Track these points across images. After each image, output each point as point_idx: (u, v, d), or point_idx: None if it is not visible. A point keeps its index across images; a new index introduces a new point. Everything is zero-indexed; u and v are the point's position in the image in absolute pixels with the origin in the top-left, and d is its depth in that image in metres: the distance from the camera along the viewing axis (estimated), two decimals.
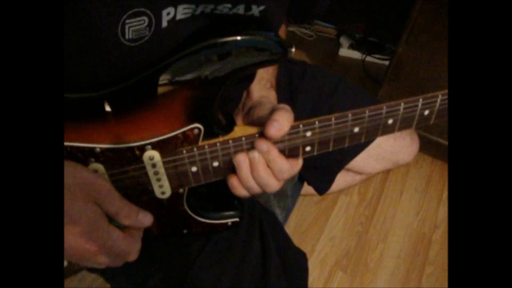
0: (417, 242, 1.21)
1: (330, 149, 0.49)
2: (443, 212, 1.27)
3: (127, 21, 0.38)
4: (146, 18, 0.39)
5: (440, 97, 0.46)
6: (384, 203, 1.30)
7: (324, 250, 1.19)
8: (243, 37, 0.42)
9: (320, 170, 0.87)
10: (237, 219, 0.56)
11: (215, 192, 0.57)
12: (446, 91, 0.46)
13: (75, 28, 0.37)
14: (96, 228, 0.41)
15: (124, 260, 0.45)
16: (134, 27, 0.39)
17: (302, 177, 0.91)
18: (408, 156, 0.95)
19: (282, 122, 0.43)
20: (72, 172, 0.42)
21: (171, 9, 0.40)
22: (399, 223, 1.26)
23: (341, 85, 0.81)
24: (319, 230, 1.23)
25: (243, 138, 0.47)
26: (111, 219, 0.44)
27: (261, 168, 0.45)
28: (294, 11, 0.59)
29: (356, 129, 0.47)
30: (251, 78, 0.58)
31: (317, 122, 0.45)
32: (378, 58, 1.62)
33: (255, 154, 0.45)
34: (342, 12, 1.56)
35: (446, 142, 1.22)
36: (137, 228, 0.46)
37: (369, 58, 1.64)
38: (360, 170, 0.94)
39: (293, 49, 0.45)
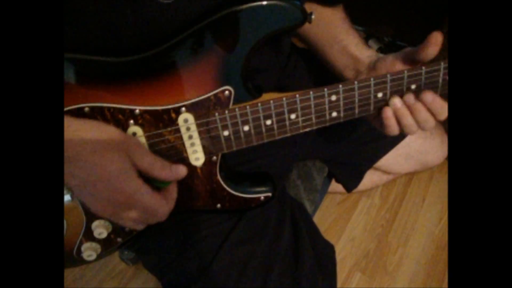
0: (438, 250, 1.19)
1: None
2: None
3: None
4: None
5: None
6: (406, 208, 1.28)
7: (344, 250, 1.18)
8: (273, 2, 0.43)
9: (349, 167, 0.86)
10: (269, 194, 0.56)
11: (250, 170, 0.58)
12: None
13: None
14: (126, 178, 0.42)
15: (154, 218, 0.45)
16: None
17: (331, 173, 0.91)
18: (437, 158, 0.94)
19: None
20: (104, 128, 0.43)
21: None
22: (421, 229, 1.23)
23: None
24: (339, 230, 1.22)
25: (271, 102, 0.47)
26: (150, 180, 0.45)
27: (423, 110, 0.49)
28: None
29: (380, 94, 0.48)
30: (277, 48, 0.59)
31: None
32: None
33: (411, 98, 0.48)
34: (371, 15, 1.56)
35: None
36: (172, 187, 0.46)
37: None
38: (388, 169, 0.94)
39: (313, 16, 0.46)
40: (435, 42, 0.46)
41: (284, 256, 0.58)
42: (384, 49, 1.64)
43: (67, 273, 1.14)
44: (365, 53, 0.60)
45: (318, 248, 0.64)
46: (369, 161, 0.87)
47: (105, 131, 0.43)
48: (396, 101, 0.49)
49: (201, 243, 0.57)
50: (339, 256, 1.17)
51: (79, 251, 0.58)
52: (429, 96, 0.48)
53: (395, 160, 0.90)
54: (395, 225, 1.24)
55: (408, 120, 0.50)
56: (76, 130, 0.41)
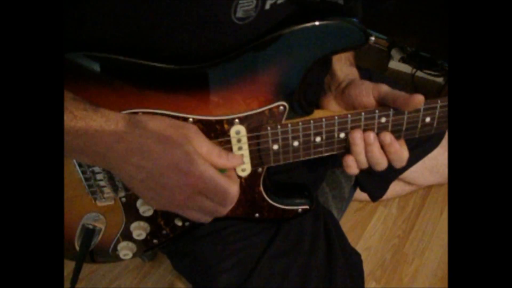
0: None
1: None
2: None
3: (240, 1, 0.41)
4: (254, 1, 0.41)
5: None
6: (423, 219, 1.29)
7: None
8: (329, 22, 0.44)
9: (376, 177, 0.87)
10: (307, 207, 0.57)
11: (287, 181, 0.58)
12: None
13: (190, 1, 0.40)
14: (193, 160, 0.42)
15: (224, 201, 0.45)
16: (244, 7, 0.41)
17: (357, 182, 0.91)
18: None
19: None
20: (163, 118, 0.44)
21: None
22: (438, 241, 1.24)
23: None
24: (356, 237, 1.23)
25: (323, 119, 0.48)
26: None
27: (376, 150, 0.50)
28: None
29: (428, 119, 0.50)
30: (328, 66, 0.60)
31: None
32: (429, 74, 1.61)
33: (370, 135, 0.49)
34: (397, 24, 1.56)
35: None
36: (231, 172, 0.48)
37: (419, 73, 1.63)
38: (413, 180, 0.94)
39: (373, 38, 0.47)
40: (414, 103, 0.48)
41: (320, 268, 0.59)
42: (406, 59, 1.64)
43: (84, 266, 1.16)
44: (345, 71, 0.60)
45: (348, 257, 0.65)
46: (396, 172, 0.88)
47: (165, 121, 0.44)
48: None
49: (239, 254, 0.58)
50: None
51: (115, 249, 0.59)
52: (388, 138, 0.50)
53: (420, 172, 0.90)
54: (411, 236, 1.25)
55: (361, 157, 0.51)
56: (137, 121, 0.43)
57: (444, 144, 0.86)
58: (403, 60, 1.65)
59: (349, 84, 0.55)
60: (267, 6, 0.43)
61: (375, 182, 0.87)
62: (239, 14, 0.41)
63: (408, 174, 0.89)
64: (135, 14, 0.39)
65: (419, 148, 0.85)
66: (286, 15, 0.45)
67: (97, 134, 0.41)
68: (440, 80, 1.57)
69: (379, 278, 1.15)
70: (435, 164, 0.88)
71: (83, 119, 0.41)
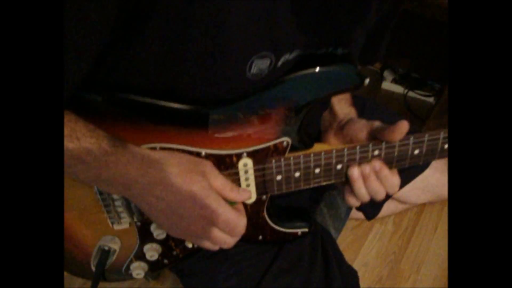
0: None
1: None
2: None
3: (256, 60, 0.46)
4: (269, 60, 0.47)
5: None
6: (418, 236, 1.34)
7: None
8: (329, 68, 0.51)
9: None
10: (306, 230, 0.63)
11: (289, 205, 0.64)
12: None
13: (207, 55, 0.44)
14: (208, 194, 0.48)
15: (234, 232, 0.51)
16: (259, 65, 0.47)
17: None
18: None
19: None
20: (182, 155, 0.50)
21: (288, 55, 0.48)
22: (433, 257, 1.29)
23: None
24: (353, 254, 1.28)
25: (322, 153, 0.54)
26: None
27: (373, 180, 0.55)
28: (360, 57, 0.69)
29: (417, 151, 0.55)
30: (327, 105, 0.67)
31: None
32: (420, 94, 1.69)
33: (366, 168, 0.54)
34: (388, 47, 1.64)
35: None
36: (240, 205, 0.53)
37: (411, 94, 1.70)
38: (406, 199, 1.01)
39: (368, 80, 0.53)
40: (400, 130, 0.54)
41: (318, 284, 0.64)
42: (399, 80, 1.72)
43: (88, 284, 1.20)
44: (344, 110, 0.67)
45: (344, 274, 0.71)
46: None
47: (184, 157, 0.50)
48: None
49: (244, 272, 0.64)
50: None
51: (128, 268, 0.65)
52: (377, 164, 0.56)
53: (412, 192, 0.96)
54: (407, 252, 1.30)
55: (362, 190, 0.57)
56: (159, 158, 0.49)
57: (433, 165, 0.92)
58: (395, 81, 1.72)
59: (347, 122, 0.62)
60: (279, 64, 0.49)
61: (370, 202, 0.93)
62: (254, 71, 0.47)
63: (401, 193, 0.95)
64: (163, 68, 0.45)
65: (410, 170, 0.91)
66: (293, 65, 0.51)
67: (124, 168, 0.47)
68: (430, 100, 1.64)
69: None
70: (426, 184, 0.95)
71: (114, 154, 0.47)
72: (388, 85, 1.75)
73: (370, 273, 1.24)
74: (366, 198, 0.57)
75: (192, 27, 0.41)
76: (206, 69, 0.45)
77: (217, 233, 0.51)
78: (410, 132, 0.90)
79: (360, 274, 1.22)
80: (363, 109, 0.87)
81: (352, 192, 0.57)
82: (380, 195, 0.57)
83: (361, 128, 0.59)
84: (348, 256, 1.26)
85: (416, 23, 1.24)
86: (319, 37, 0.50)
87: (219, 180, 0.50)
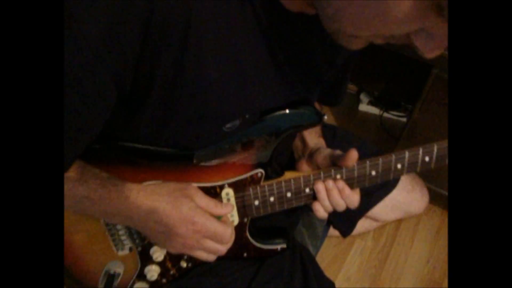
0: None
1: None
2: None
3: (232, 121, 0.58)
4: (240, 119, 0.59)
5: (436, 146, 0.65)
6: (396, 249, 1.46)
7: None
8: (296, 110, 0.63)
9: (344, 216, 1.04)
10: (284, 246, 0.75)
11: (268, 225, 0.75)
12: (441, 141, 0.66)
13: (192, 116, 0.55)
14: (196, 213, 0.60)
15: (223, 241, 0.63)
16: (235, 122, 0.59)
17: (329, 221, 1.09)
18: (419, 208, 1.13)
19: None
20: (170, 184, 0.62)
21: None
22: (411, 269, 1.40)
23: (364, 147, 1.01)
24: (336, 269, 1.38)
25: (292, 180, 0.66)
26: None
27: (335, 193, 0.67)
28: (321, 99, 0.82)
29: (373, 172, 0.67)
30: (293, 138, 0.79)
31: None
32: (395, 115, 1.82)
33: (330, 182, 0.67)
34: (363, 72, 1.79)
35: None
36: (225, 218, 0.65)
37: (386, 114, 1.84)
38: (377, 217, 1.12)
39: (326, 117, 0.65)
40: (351, 158, 0.66)
41: None
42: (374, 102, 1.85)
43: None
44: (313, 141, 0.80)
45: (322, 284, 0.81)
46: (361, 211, 1.05)
47: (171, 185, 0.62)
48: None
49: (232, 284, 0.74)
50: None
51: None
52: (340, 184, 0.67)
53: (383, 210, 1.08)
54: (386, 265, 1.41)
55: (326, 202, 0.68)
56: (152, 190, 0.60)
57: (400, 186, 1.04)
58: (371, 103, 1.86)
59: (315, 152, 0.74)
60: (247, 116, 0.60)
61: (344, 221, 1.05)
62: (228, 126, 0.59)
63: (372, 212, 1.07)
64: (156, 128, 0.57)
65: (379, 191, 1.03)
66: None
67: (125, 202, 0.58)
68: (404, 120, 1.78)
69: None
70: (395, 203, 1.07)
71: (115, 192, 0.58)
72: (364, 107, 1.88)
73: (353, 286, 1.35)
74: (329, 208, 0.69)
75: (179, 103, 0.53)
76: (190, 128, 0.57)
77: (209, 243, 0.62)
78: (380, 152, 1.02)
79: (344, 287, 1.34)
80: (334, 137, 1.00)
81: (319, 205, 0.68)
82: (340, 207, 0.68)
83: (326, 157, 0.71)
84: (331, 271, 1.38)
85: (386, 54, 1.38)
86: (284, 98, 0.62)
87: (204, 200, 0.62)
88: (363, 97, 1.88)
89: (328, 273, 1.36)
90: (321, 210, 0.69)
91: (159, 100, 0.52)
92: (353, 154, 0.65)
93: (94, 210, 0.59)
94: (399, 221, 1.52)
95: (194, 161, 0.63)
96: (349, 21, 0.42)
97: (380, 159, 0.67)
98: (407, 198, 1.07)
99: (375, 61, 1.73)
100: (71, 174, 0.56)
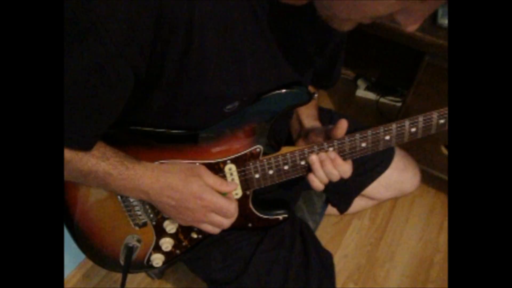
0: (420, 263, 1.45)
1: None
2: (443, 238, 1.51)
3: (231, 102, 0.66)
4: (239, 100, 0.67)
5: (422, 118, 0.72)
6: (391, 228, 1.55)
7: (338, 265, 1.43)
8: (290, 90, 0.71)
9: (341, 195, 1.13)
10: (286, 215, 0.83)
11: (271, 198, 0.84)
12: (427, 113, 0.72)
13: (196, 99, 0.63)
14: (204, 190, 0.69)
15: (228, 215, 0.71)
16: (234, 104, 0.66)
17: (327, 199, 1.17)
18: (411, 186, 1.21)
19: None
20: (182, 163, 0.71)
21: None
22: (404, 246, 1.50)
23: (359, 127, 1.08)
24: (334, 247, 1.48)
25: (288, 154, 0.74)
26: None
27: (328, 163, 0.74)
28: (315, 82, 0.90)
29: (364, 144, 0.74)
30: (290, 117, 0.87)
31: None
32: (391, 100, 1.90)
33: (322, 154, 0.74)
34: (361, 58, 1.86)
35: (447, 177, 1.47)
36: (230, 194, 0.73)
37: (382, 99, 1.92)
38: (372, 196, 1.20)
39: (316, 95, 0.73)
40: (341, 127, 0.73)
41: (298, 258, 0.84)
42: (371, 88, 1.93)
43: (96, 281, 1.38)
44: (310, 123, 0.89)
45: (321, 255, 0.90)
46: (357, 189, 1.14)
47: (183, 165, 0.71)
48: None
49: (239, 251, 0.84)
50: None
51: (148, 260, 0.84)
52: (332, 154, 0.74)
53: (377, 189, 1.16)
54: (382, 242, 1.50)
55: (320, 172, 0.75)
56: (165, 169, 0.69)
57: (393, 166, 1.12)
58: (368, 88, 1.94)
59: (310, 130, 0.83)
60: (245, 98, 0.69)
61: (341, 199, 1.13)
62: (228, 107, 0.67)
63: (368, 191, 1.15)
64: (164, 113, 0.65)
65: (373, 171, 1.11)
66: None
67: (141, 179, 0.67)
68: (399, 104, 1.86)
69: (356, 280, 1.40)
70: (388, 182, 1.14)
71: (132, 169, 0.66)
72: (361, 92, 1.96)
73: (350, 263, 1.44)
74: (324, 178, 0.76)
75: (185, 88, 0.61)
76: (194, 110, 0.66)
77: (214, 217, 0.71)
78: None
79: (341, 264, 1.44)
80: (331, 120, 1.07)
81: (314, 175, 0.76)
82: (334, 176, 0.76)
83: (319, 133, 0.79)
84: (329, 249, 1.46)
85: (382, 42, 1.45)
86: (277, 82, 0.70)
87: (211, 179, 0.70)
88: (360, 83, 1.96)
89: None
90: (316, 181, 0.77)
91: (168, 86, 0.60)
92: (343, 123, 0.73)
93: (114, 185, 0.67)
94: (394, 202, 1.61)
95: (199, 141, 0.71)
96: (343, 7, 0.51)
97: (369, 131, 0.74)
98: (400, 177, 1.15)
99: (372, 48, 1.81)
100: (95, 152, 0.64)
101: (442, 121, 0.72)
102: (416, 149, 1.38)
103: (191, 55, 0.56)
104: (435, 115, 0.72)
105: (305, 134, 0.85)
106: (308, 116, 0.91)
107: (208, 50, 0.57)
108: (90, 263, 1.40)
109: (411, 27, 0.51)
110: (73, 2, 0.49)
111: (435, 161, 1.43)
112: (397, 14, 0.49)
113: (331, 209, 1.26)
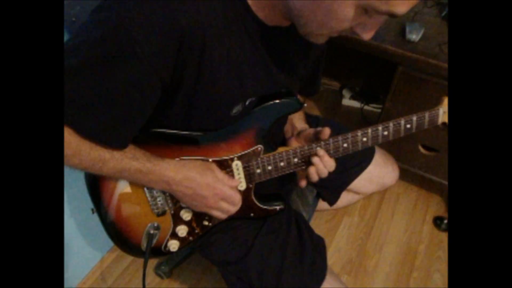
0: (405, 253, 1.63)
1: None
2: (426, 230, 1.70)
3: (236, 106, 0.85)
4: (242, 104, 0.86)
5: (392, 123, 0.91)
6: (379, 222, 1.73)
7: (332, 258, 1.61)
8: (282, 100, 0.90)
9: (330, 189, 1.32)
10: (282, 206, 1.02)
11: (269, 192, 1.02)
12: (396, 119, 0.91)
13: (209, 105, 0.82)
14: (217, 181, 0.88)
15: (234, 202, 0.90)
16: (238, 107, 0.85)
17: (318, 194, 1.35)
18: (392, 180, 1.40)
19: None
20: (197, 160, 0.89)
21: (252, 98, 0.87)
22: (391, 238, 1.68)
23: (343, 130, 1.27)
24: (328, 242, 1.65)
25: (284, 153, 0.93)
26: None
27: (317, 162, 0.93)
28: (302, 89, 1.10)
29: (345, 144, 0.93)
30: (284, 122, 1.06)
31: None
32: (374, 107, 2.10)
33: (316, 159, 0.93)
34: (344, 70, 2.07)
35: (429, 176, 1.66)
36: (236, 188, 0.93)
37: (366, 107, 2.11)
38: (358, 190, 1.39)
39: (305, 104, 0.92)
40: (324, 133, 0.92)
41: (294, 241, 1.02)
42: (355, 96, 2.13)
43: (110, 281, 1.53)
44: (300, 125, 1.09)
45: (314, 239, 1.08)
46: (344, 184, 1.33)
47: (198, 162, 0.89)
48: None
49: (243, 236, 1.01)
50: (328, 264, 1.60)
51: (166, 246, 1.01)
52: (321, 152, 0.92)
53: (361, 183, 1.35)
54: (371, 236, 1.69)
55: (311, 170, 0.92)
56: (184, 164, 0.86)
57: (374, 162, 1.31)
58: (352, 97, 2.14)
59: (301, 132, 1.03)
60: (247, 103, 0.87)
61: (329, 192, 1.32)
62: (234, 111, 0.86)
63: (353, 185, 1.34)
64: (181, 117, 0.83)
65: (357, 167, 1.30)
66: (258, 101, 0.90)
67: (164, 172, 0.84)
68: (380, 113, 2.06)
69: (349, 271, 1.57)
70: (371, 176, 1.33)
71: (157, 165, 0.84)
72: (347, 101, 2.16)
73: (342, 256, 1.62)
74: (314, 177, 0.94)
75: (199, 96, 0.78)
76: (207, 115, 0.84)
77: (223, 204, 0.89)
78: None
79: (334, 257, 1.62)
80: (317, 124, 1.26)
81: (304, 174, 0.95)
82: (323, 173, 0.94)
83: (309, 134, 0.99)
84: None
85: (362, 56, 1.65)
86: (272, 88, 0.90)
87: (221, 174, 0.90)
88: (346, 92, 2.16)
89: None
90: (303, 181, 0.97)
91: (185, 95, 0.78)
92: (326, 130, 0.93)
93: (143, 180, 0.85)
94: (380, 199, 1.80)
95: (211, 141, 0.89)
96: (314, 25, 0.70)
97: (349, 134, 0.93)
98: (380, 172, 1.34)
99: (355, 61, 2.02)
100: (127, 153, 0.82)
101: (408, 125, 0.91)
102: (397, 149, 1.58)
103: (203, 69, 0.75)
104: (402, 121, 0.91)
105: (297, 134, 1.03)
106: (299, 119, 1.13)
107: (216, 65, 0.76)
108: (104, 266, 1.56)
109: (367, 36, 0.70)
110: (111, 26, 0.64)
111: (413, 159, 1.62)
112: (355, 28, 0.69)
113: (323, 204, 1.43)
